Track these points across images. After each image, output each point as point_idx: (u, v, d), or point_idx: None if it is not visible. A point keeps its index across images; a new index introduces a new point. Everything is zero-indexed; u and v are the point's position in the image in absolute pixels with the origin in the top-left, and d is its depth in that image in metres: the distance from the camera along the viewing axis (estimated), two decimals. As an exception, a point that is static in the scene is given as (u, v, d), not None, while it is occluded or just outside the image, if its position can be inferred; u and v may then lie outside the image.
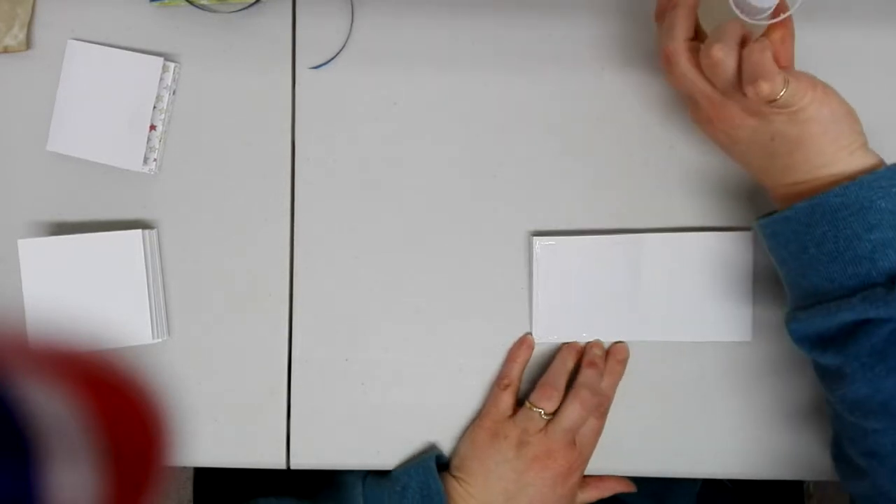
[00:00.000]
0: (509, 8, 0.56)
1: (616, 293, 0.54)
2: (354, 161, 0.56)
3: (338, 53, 0.56)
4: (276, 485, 0.66)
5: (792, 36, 0.46)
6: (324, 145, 0.56)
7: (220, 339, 0.55)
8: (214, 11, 0.55)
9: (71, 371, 0.22)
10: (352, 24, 0.56)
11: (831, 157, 0.44)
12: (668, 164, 0.55)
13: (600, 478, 0.55)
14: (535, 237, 0.54)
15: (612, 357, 0.54)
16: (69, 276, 0.52)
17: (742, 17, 0.43)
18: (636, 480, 0.56)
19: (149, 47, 0.55)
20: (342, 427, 0.55)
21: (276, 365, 0.55)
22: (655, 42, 0.52)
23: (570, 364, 0.53)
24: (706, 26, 0.47)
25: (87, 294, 0.53)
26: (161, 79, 0.54)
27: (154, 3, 0.55)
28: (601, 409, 0.53)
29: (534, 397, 0.52)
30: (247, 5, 0.55)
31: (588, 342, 0.54)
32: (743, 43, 0.43)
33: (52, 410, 0.20)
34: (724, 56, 0.42)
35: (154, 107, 0.55)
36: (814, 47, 0.55)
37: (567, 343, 0.54)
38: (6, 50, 0.55)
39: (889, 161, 0.46)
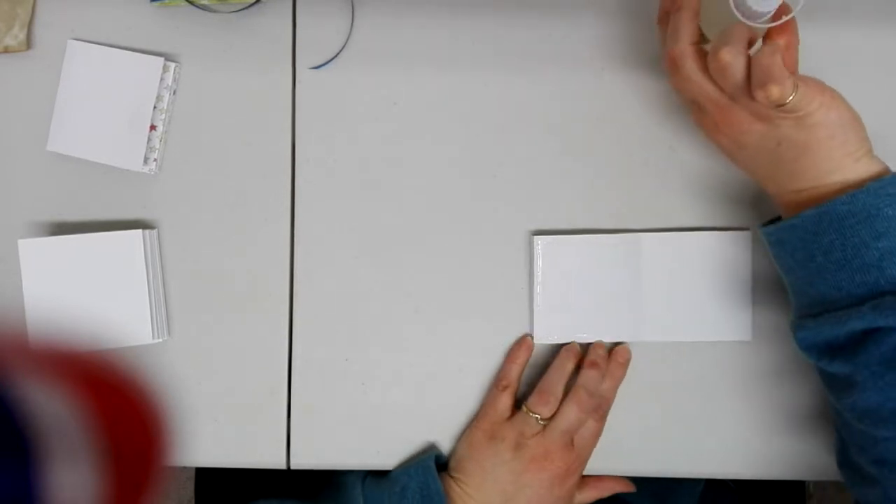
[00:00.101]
0: (509, 8, 0.56)
1: (616, 293, 0.54)
2: (354, 161, 0.56)
3: (338, 53, 0.56)
4: (276, 485, 0.66)
5: (797, 41, 0.46)
6: (324, 145, 0.56)
7: (220, 339, 0.55)
8: (214, 11, 0.55)
9: (71, 371, 0.22)
10: (352, 24, 0.56)
11: (838, 163, 0.44)
12: (668, 165, 0.55)
13: (599, 478, 0.55)
14: (536, 236, 0.54)
15: (613, 359, 0.53)
16: (69, 276, 0.52)
17: (743, 20, 0.43)
18: (638, 480, 0.56)
19: (149, 47, 0.55)
20: (342, 427, 0.55)
21: (276, 365, 0.55)
22: (658, 45, 0.52)
23: (569, 367, 0.53)
24: (707, 30, 0.47)
25: (88, 294, 0.53)
26: (161, 79, 0.54)
27: (154, 3, 0.55)
28: (601, 412, 0.53)
29: (531, 402, 0.52)
30: (247, 5, 0.55)
31: (592, 343, 0.54)
32: (748, 45, 0.43)
33: (52, 410, 0.20)
34: (732, 59, 0.42)
35: (154, 107, 0.55)
36: (814, 47, 0.55)
37: (566, 346, 0.54)
38: (6, 50, 0.55)
39: (892, 163, 0.46)
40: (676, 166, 0.55)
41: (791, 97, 0.41)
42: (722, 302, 0.54)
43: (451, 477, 0.53)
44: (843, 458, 0.50)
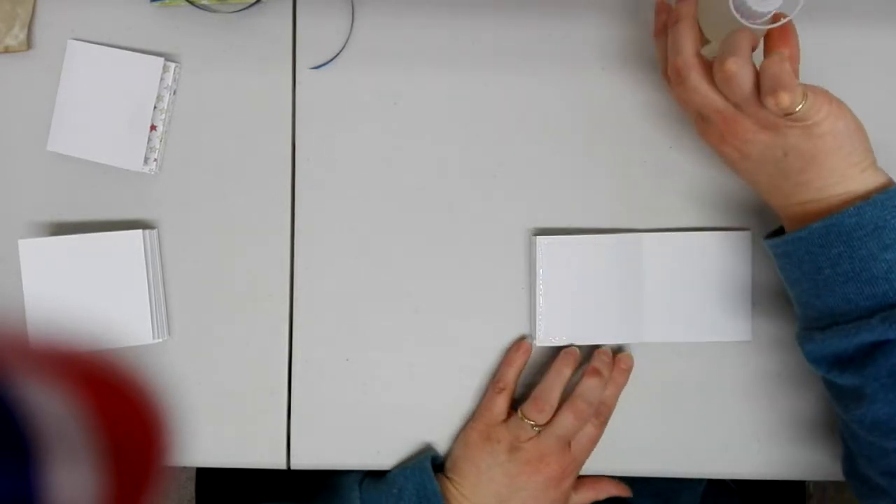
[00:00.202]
0: (509, 8, 0.56)
1: (616, 293, 0.54)
2: (354, 161, 0.56)
3: (338, 53, 0.56)
4: (276, 485, 0.67)
5: (798, 50, 0.46)
6: (324, 145, 0.56)
7: (220, 339, 0.55)
8: (214, 11, 0.55)
9: (71, 371, 0.22)
10: (352, 24, 0.56)
11: (843, 174, 0.44)
12: (668, 164, 0.55)
13: (595, 479, 0.55)
14: (537, 237, 0.54)
15: (616, 366, 0.53)
16: (69, 276, 0.52)
17: (742, 21, 0.43)
18: (639, 480, 0.56)
19: (149, 47, 0.55)
20: (342, 427, 0.55)
21: (276, 365, 0.55)
22: (657, 58, 0.51)
23: (567, 374, 0.52)
24: (707, 30, 0.47)
25: (88, 294, 0.53)
26: (161, 79, 0.54)
27: (154, 3, 0.55)
28: (601, 418, 0.52)
29: (525, 408, 0.52)
30: (247, 5, 0.55)
31: (597, 349, 0.54)
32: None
33: (52, 410, 0.20)
34: (738, 69, 0.42)
35: (154, 107, 0.55)
36: (814, 47, 0.55)
37: (565, 350, 0.54)
38: (7, 50, 0.55)
39: (892, 164, 0.46)
40: (676, 166, 0.55)
41: (801, 105, 0.41)
42: (722, 302, 0.54)
43: (447, 478, 0.53)
44: (851, 468, 0.50)
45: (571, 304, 0.54)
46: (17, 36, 0.55)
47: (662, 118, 0.55)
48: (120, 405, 0.23)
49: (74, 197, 0.56)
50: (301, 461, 0.55)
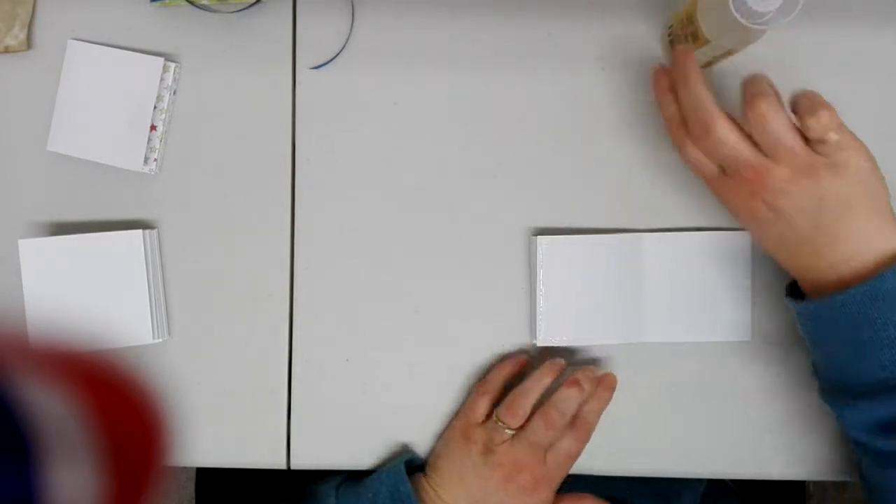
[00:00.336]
0: (509, 8, 0.56)
1: (616, 293, 0.54)
2: (354, 161, 0.56)
3: (338, 53, 0.56)
4: (276, 485, 0.67)
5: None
6: (324, 145, 0.56)
7: (220, 339, 0.55)
8: (214, 11, 0.55)
9: (71, 371, 0.22)
10: (352, 24, 0.56)
11: (878, 227, 0.43)
12: (668, 164, 0.55)
13: (576, 496, 0.54)
14: (538, 237, 0.54)
15: (600, 383, 0.52)
16: (69, 276, 0.52)
17: (742, 21, 0.43)
18: (638, 480, 0.56)
19: (149, 47, 0.55)
20: (342, 427, 0.55)
21: (276, 365, 0.55)
22: (663, 116, 0.50)
23: (546, 382, 0.52)
24: (707, 30, 0.47)
25: (88, 294, 0.53)
26: (161, 79, 0.55)
27: (154, 3, 0.55)
28: (579, 433, 0.51)
29: (500, 411, 0.51)
30: (247, 5, 0.55)
31: (582, 368, 0.53)
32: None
33: (52, 410, 0.20)
34: (769, 107, 0.42)
35: (154, 107, 0.55)
36: (814, 47, 0.55)
37: (551, 360, 0.53)
38: (7, 50, 0.55)
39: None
40: (676, 166, 0.55)
41: (839, 125, 0.41)
42: (722, 302, 0.54)
43: (426, 475, 0.53)
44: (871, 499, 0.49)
45: (571, 304, 0.54)
46: (17, 36, 0.55)
47: (663, 118, 0.55)
48: (120, 405, 0.23)
49: (74, 197, 0.56)
50: (301, 461, 0.55)
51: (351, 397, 0.55)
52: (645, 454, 0.55)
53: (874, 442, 0.45)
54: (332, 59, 0.56)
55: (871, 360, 0.43)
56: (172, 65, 0.55)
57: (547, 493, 0.51)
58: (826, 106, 0.41)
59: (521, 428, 0.51)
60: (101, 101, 0.54)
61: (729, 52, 0.50)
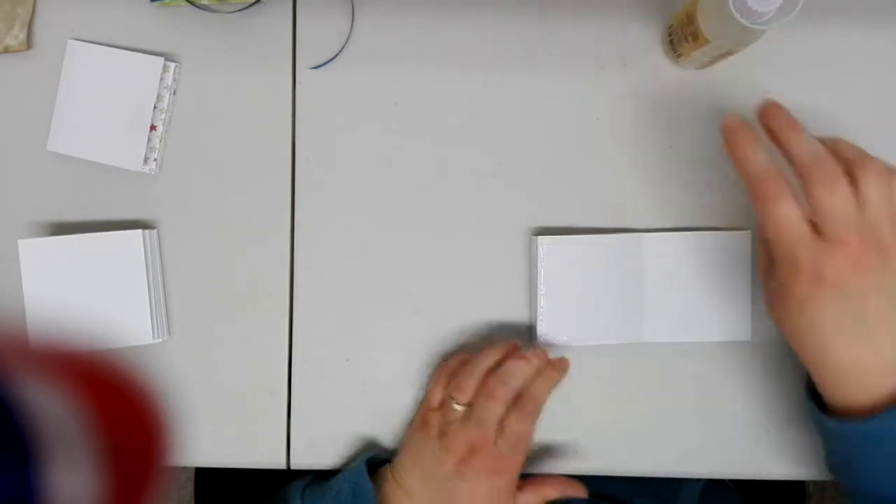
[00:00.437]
0: (509, 7, 0.56)
1: (616, 293, 0.54)
2: (354, 161, 0.56)
3: (338, 53, 0.56)
4: (276, 485, 0.66)
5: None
6: (324, 145, 0.56)
7: (220, 339, 0.55)
8: (214, 11, 0.55)
9: (71, 371, 0.22)
10: (352, 24, 0.56)
11: None
12: (668, 164, 0.55)
13: (540, 479, 0.51)
14: (538, 237, 0.54)
15: (551, 363, 0.51)
16: (69, 276, 0.52)
17: (742, 20, 0.43)
18: (638, 480, 0.56)
19: (149, 47, 0.55)
20: (342, 427, 0.55)
21: (276, 365, 0.55)
22: (749, 170, 0.43)
23: (495, 356, 0.51)
24: (706, 30, 0.47)
25: (88, 294, 0.53)
26: (161, 79, 0.55)
27: (154, 3, 0.55)
28: (524, 411, 0.49)
29: (450, 387, 0.51)
30: (247, 5, 0.55)
31: (534, 347, 0.52)
32: None
33: (52, 410, 0.20)
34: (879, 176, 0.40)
35: (154, 107, 0.55)
36: (814, 47, 0.56)
37: (507, 341, 0.52)
38: (7, 50, 0.55)
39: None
40: (676, 166, 0.55)
41: None
42: (722, 302, 0.54)
43: (391, 467, 0.52)
44: None
45: (572, 304, 0.54)
46: (17, 36, 0.55)
47: (662, 118, 0.55)
48: (120, 405, 0.23)
49: (74, 197, 0.56)
50: (301, 461, 0.55)
51: (351, 397, 0.55)
52: (645, 454, 0.55)
53: None
54: (332, 59, 0.56)
55: None
56: (172, 65, 0.55)
57: (506, 479, 0.49)
58: None
59: (472, 406, 0.49)
60: (101, 101, 0.54)
61: (729, 52, 0.50)
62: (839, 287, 0.40)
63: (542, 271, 0.54)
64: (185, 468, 0.80)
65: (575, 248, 0.54)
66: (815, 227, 0.41)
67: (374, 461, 0.53)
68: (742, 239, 0.54)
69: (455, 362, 0.53)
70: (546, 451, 0.53)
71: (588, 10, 0.56)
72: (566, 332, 0.54)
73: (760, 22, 0.43)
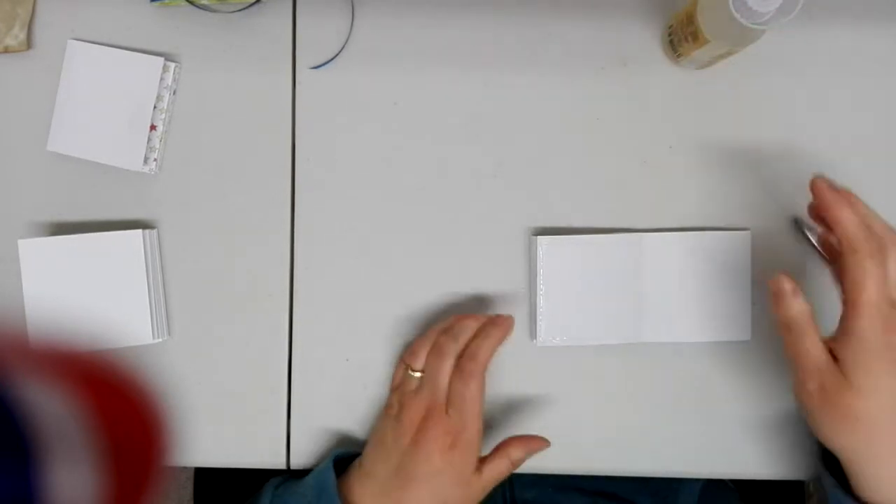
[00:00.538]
0: (509, 7, 0.56)
1: (616, 293, 0.54)
2: (354, 161, 0.56)
3: (338, 53, 0.56)
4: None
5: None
6: (324, 145, 0.56)
7: (220, 339, 0.55)
8: (214, 11, 0.55)
9: (71, 371, 0.22)
10: (352, 24, 0.56)
11: None
12: (668, 164, 0.55)
13: (502, 444, 0.50)
14: (538, 237, 0.54)
15: (491, 321, 0.50)
16: (69, 276, 0.52)
17: (742, 21, 0.43)
18: (638, 480, 0.56)
19: (149, 47, 0.55)
20: (342, 427, 0.55)
21: (276, 365, 0.55)
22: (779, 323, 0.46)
23: (448, 326, 0.51)
24: (707, 30, 0.47)
25: (88, 294, 0.53)
26: (161, 79, 0.55)
27: (154, 3, 0.55)
28: (465, 371, 0.48)
29: (405, 356, 0.52)
30: (247, 5, 0.55)
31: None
32: None
33: (52, 410, 0.20)
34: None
35: (154, 107, 0.55)
36: (814, 47, 0.56)
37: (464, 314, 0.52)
38: (7, 50, 0.55)
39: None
40: (676, 166, 0.55)
41: None
42: (722, 302, 0.54)
43: (359, 458, 0.52)
44: None
45: (571, 304, 0.54)
46: (17, 36, 0.55)
47: (662, 118, 0.55)
48: (120, 405, 0.23)
49: (74, 197, 0.56)
50: (301, 461, 0.55)
51: (351, 397, 0.55)
52: (644, 454, 0.55)
53: None
54: (332, 59, 0.56)
55: None
56: (172, 65, 0.55)
57: (460, 453, 0.47)
58: None
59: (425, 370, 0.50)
60: (101, 101, 0.54)
61: (729, 52, 0.50)
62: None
63: (541, 271, 0.54)
64: (185, 468, 0.80)
65: (575, 248, 0.54)
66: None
67: (347, 456, 0.52)
68: (742, 239, 0.54)
69: (424, 351, 0.52)
70: (545, 451, 0.53)
71: (588, 10, 0.56)
72: (566, 332, 0.54)
73: (760, 22, 0.43)
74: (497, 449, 0.50)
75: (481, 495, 0.49)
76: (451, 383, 0.48)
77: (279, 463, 0.55)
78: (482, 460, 0.49)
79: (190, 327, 0.55)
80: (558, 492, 0.59)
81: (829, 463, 0.47)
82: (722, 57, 0.51)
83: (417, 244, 0.55)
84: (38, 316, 0.52)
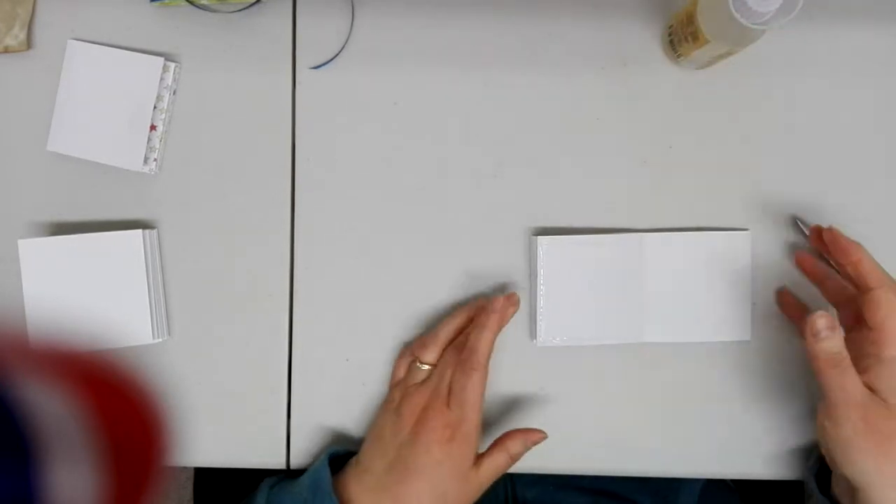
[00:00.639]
0: (509, 7, 0.56)
1: (616, 293, 0.54)
2: (354, 161, 0.56)
3: (338, 53, 0.56)
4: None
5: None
6: (324, 145, 0.56)
7: (220, 339, 0.55)
8: (214, 11, 0.55)
9: (71, 371, 0.22)
10: (352, 24, 0.56)
11: None
12: (668, 164, 0.55)
13: (502, 437, 0.50)
14: (538, 237, 0.54)
15: (481, 308, 0.50)
16: (69, 276, 0.52)
17: (742, 21, 0.43)
18: (638, 479, 0.56)
19: (149, 47, 0.55)
20: (342, 427, 0.55)
21: (276, 365, 0.55)
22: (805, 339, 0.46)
23: (459, 319, 0.52)
24: (707, 29, 0.47)
25: (88, 294, 0.53)
26: (161, 79, 0.55)
27: (154, 3, 0.55)
28: (466, 365, 0.48)
29: (414, 347, 0.52)
30: (247, 5, 0.55)
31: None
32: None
33: (52, 410, 0.20)
34: None
35: (154, 107, 0.55)
36: (814, 47, 0.56)
37: (476, 302, 0.53)
38: (7, 50, 0.55)
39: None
40: (676, 166, 0.55)
41: None
42: (722, 302, 0.54)
43: (357, 455, 0.51)
44: None
45: (571, 304, 0.54)
46: (17, 36, 0.55)
47: (662, 118, 0.55)
48: (120, 405, 0.23)
49: (74, 197, 0.56)
50: (301, 461, 0.55)
51: (351, 397, 0.55)
52: (644, 454, 0.55)
53: None
54: (332, 59, 0.56)
55: None
56: (172, 65, 0.55)
57: (459, 447, 0.47)
58: None
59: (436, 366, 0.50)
60: (101, 101, 0.54)
61: (729, 52, 0.50)
62: None
63: (541, 271, 0.54)
64: (185, 468, 0.80)
65: (575, 248, 0.54)
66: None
67: (342, 454, 0.52)
68: (742, 239, 0.54)
69: (418, 339, 0.53)
70: (546, 451, 0.53)
71: (588, 10, 0.56)
72: (566, 332, 0.54)
73: (760, 22, 0.43)
74: (495, 444, 0.50)
75: (479, 491, 0.49)
76: (452, 375, 0.49)
77: (279, 463, 0.55)
78: (481, 456, 0.49)
79: (190, 327, 0.55)
80: (559, 490, 0.59)
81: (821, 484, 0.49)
82: (722, 57, 0.51)
83: (417, 244, 0.55)
84: (38, 316, 0.52)
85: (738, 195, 0.55)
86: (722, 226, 0.55)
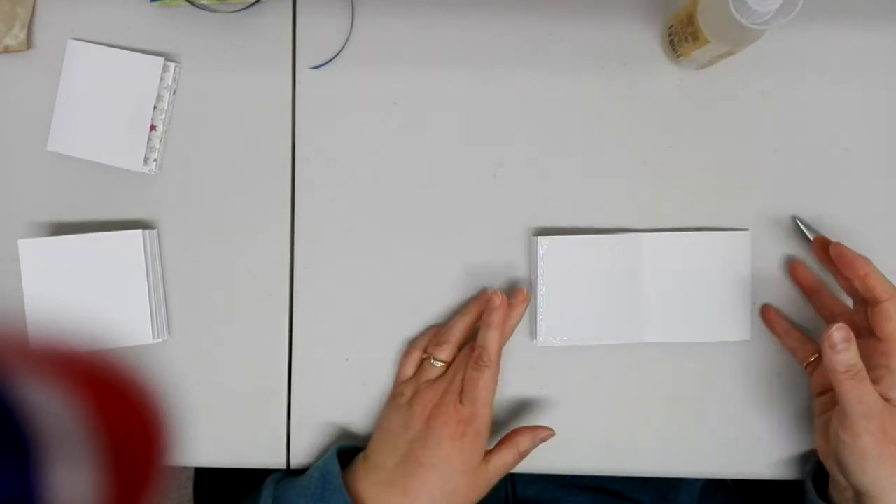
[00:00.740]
0: (509, 7, 0.56)
1: (616, 293, 0.54)
2: (355, 161, 0.56)
3: (338, 53, 0.56)
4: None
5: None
6: (324, 145, 0.56)
7: (220, 339, 0.55)
8: (214, 11, 0.55)
9: (71, 371, 0.22)
10: (352, 24, 0.56)
11: None
12: (668, 164, 0.55)
13: (511, 433, 0.51)
14: (538, 237, 0.54)
15: (485, 307, 0.51)
16: (69, 276, 0.52)
17: (742, 21, 0.43)
18: (638, 479, 0.56)
19: (149, 47, 0.55)
20: (342, 427, 0.55)
21: (276, 365, 0.55)
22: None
23: (469, 317, 0.52)
24: (707, 29, 0.47)
25: (88, 294, 0.53)
26: (161, 79, 0.55)
27: (154, 3, 0.55)
28: (479, 362, 0.48)
29: (429, 346, 0.52)
30: (247, 5, 0.55)
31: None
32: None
33: (52, 410, 0.20)
34: None
35: (154, 107, 0.55)
36: (814, 47, 0.56)
37: (485, 294, 0.53)
38: (6, 50, 0.55)
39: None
40: (676, 166, 0.55)
41: None
42: (722, 302, 0.54)
43: (364, 451, 0.52)
44: None
45: (571, 304, 0.54)
46: (17, 36, 0.55)
47: (662, 118, 0.55)
48: (120, 405, 0.23)
49: (74, 197, 0.56)
50: (301, 461, 0.55)
51: (351, 397, 0.55)
52: (644, 454, 0.55)
53: None
54: (332, 59, 0.56)
55: None
56: (172, 65, 0.55)
57: (470, 442, 0.48)
58: None
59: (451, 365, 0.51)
60: (101, 101, 0.54)
61: (729, 52, 0.50)
62: None
63: (541, 271, 0.54)
64: (185, 468, 0.80)
65: (575, 248, 0.54)
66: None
67: (349, 450, 0.53)
68: (742, 239, 0.54)
69: (427, 336, 0.54)
70: (546, 450, 0.53)
71: (588, 10, 0.56)
72: (566, 332, 0.54)
73: (760, 22, 0.43)
74: (504, 440, 0.50)
75: (488, 486, 0.49)
76: (465, 373, 0.49)
77: (279, 463, 0.55)
78: (489, 452, 0.50)
79: (190, 327, 0.55)
80: (559, 489, 0.59)
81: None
82: (722, 57, 0.51)
83: (417, 244, 0.55)
84: (38, 316, 0.52)
85: (738, 195, 0.55)
86: (722, 226, 0.55)
